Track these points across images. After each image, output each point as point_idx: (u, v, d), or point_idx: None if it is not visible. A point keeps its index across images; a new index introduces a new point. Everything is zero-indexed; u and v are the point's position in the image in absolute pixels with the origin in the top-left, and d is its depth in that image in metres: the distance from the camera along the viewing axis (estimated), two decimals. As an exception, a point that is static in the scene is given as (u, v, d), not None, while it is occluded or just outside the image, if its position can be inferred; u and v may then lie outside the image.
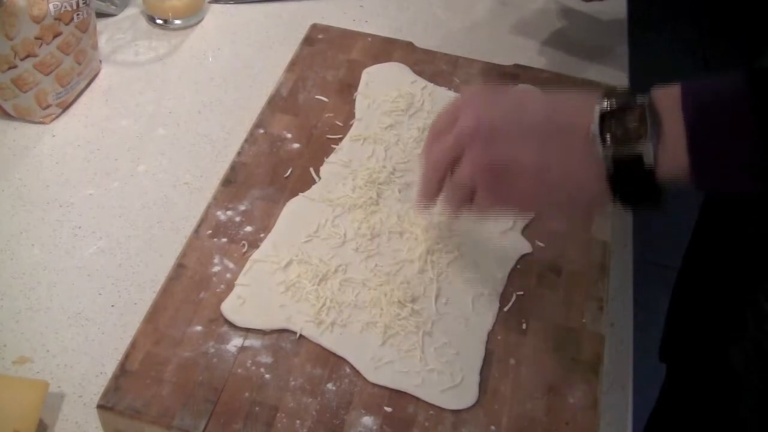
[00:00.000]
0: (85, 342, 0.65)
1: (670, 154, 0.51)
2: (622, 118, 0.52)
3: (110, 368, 0.61)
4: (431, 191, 0.61)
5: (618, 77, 0.94)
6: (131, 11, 0.99)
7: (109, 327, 0.66)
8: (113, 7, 0.98)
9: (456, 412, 0.59)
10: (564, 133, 0.55)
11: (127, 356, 0.60)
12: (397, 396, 0.59)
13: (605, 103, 0.53)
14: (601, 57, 0.97)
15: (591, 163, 0.53)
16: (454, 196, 0.60)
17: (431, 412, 0.59)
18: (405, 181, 0.74)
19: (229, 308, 0.63)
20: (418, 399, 0.59)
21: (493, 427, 0.58)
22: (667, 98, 0.52)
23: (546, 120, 0.56)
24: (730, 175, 0.51)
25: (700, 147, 0.50)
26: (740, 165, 0.50)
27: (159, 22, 0.97)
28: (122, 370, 0.59)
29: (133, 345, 0.60)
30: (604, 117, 0.53)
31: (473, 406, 0.59)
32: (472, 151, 0.57)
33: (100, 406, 0.57)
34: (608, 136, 0.52)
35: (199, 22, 0.98)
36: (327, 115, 0.81)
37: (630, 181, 0.53)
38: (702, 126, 0.50)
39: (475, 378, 0.61)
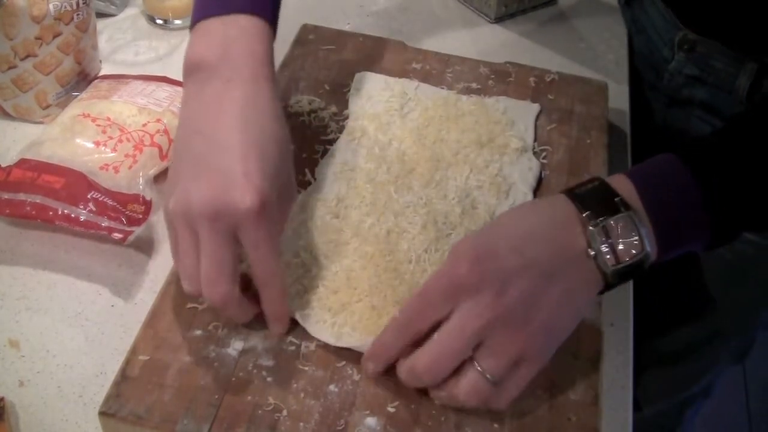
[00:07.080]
0: (85, 342, 0.60)
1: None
2: (610, 230, 0.50)
3: (110, 368, 0.57)
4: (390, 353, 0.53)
5: (617, 77, 0.89)
6: (131, 11, 0.93)
7: (109, 327, 0.61)
8: (113, 7, 0.92)
9: (459, 411, 0.54)
10: (563, 264, 0.51)
11: (128, 362, 0.55)
12: (400, 395, 0.55)
13: (592, 220, 0.51)
14: (599, 55, 0.92)
15: (590, 284, 0.51)
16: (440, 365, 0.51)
17: (434, 411, 0.54)
18: (401, 180, 0.68)
19: (229, 310, 0.58)
20: (420, 398, 0.55)
21: (496, 425, 0.54)
22: (623, 189, 0.52)
23: (547, 257, 0.51)
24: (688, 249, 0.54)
25: (666, 240, 0.52)
26: (700, 244, 0.54)
27: (159, 22, 0.91)
28: (123, 376, 0.54)
29: (133, 350, 0.55)
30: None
31: (476, 404, 0.55)
32: (477, 300, 0.49)
33: (102, 413, 0.52)
34: (605, 253, 0.50)
35: (198, 22, 0.93)
36: (320, 116, 0.75)
37: (625, 279, 0.52)
38: (664, 222, 0.52)
39: (476, 376, 0.56)
